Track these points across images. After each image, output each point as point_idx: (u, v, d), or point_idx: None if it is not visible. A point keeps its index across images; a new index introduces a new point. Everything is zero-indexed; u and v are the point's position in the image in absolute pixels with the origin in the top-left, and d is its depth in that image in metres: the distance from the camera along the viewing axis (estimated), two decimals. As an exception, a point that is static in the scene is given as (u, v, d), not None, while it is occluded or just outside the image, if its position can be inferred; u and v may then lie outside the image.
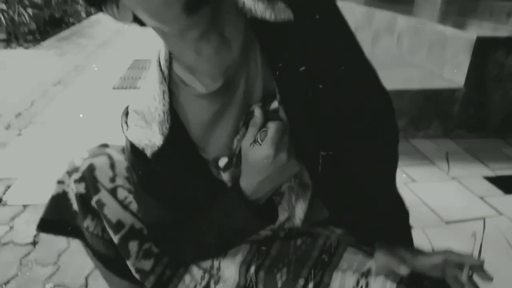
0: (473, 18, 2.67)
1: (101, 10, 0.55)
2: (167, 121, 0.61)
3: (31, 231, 1.35)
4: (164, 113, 0.61)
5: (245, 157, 0.62)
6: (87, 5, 0.56)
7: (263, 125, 0.61)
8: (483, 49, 1.83)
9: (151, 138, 0.62)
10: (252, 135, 0.60)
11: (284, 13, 0.59)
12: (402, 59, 2.38)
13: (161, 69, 0.62)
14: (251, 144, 0.60)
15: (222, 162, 0.65)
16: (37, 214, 1.39)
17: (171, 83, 0.63)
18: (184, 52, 0.58)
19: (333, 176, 0.69)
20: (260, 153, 0.59)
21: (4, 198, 1.55)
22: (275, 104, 0.62)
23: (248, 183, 0.63)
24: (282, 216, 0.74)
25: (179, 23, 0.51)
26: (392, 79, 2.00)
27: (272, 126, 0.59)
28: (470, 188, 1.61)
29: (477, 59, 1.85)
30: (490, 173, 1.72)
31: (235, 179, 0.66)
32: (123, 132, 0.65)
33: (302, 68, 0.60)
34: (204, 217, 0.67)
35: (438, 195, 1.56)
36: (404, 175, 1.70)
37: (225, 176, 0.66)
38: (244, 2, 0.59)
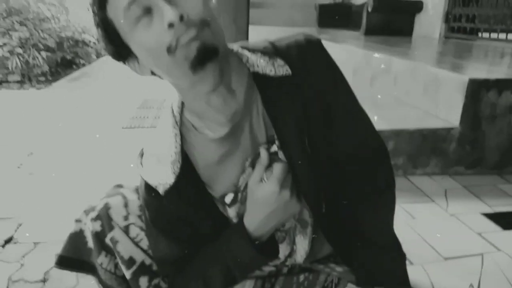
0: (468, 59, 2.79)
1: (124, 63, 0.65)
2: (179, 161, 0.68)
3: (41, 269, 1.39)
4: (176, 154, 0.68)
5: (251, 193, 0.68)
6: (113, 59, 0.65)
7: (269, 165, 0.68)
8: (476, 90, 1.92)
9: (163, 177, 0.69)
10: (258, 173, 0.67)
11: (283, 69, 0.68)
12: (399, 99, 2.48)
13: (173, 115, 0.70)
14: (257, 181, 0.67)
15: (228, 198, 0.72)
16: (47, 252, 1.45)
17: (182, 127, 0.71)
18: (195, 102, 0.67)
19: (334, 216, 0.75)
20: (265, 190, 0.66)
21: (15, 236, 1.59)
22: (274, 148, 0.70)
23: (252, 219, 0.69)
24: (285, 252, 0.78)
25: (188, 79, 0.60)
26: (390, 118, 2.09)
27: (277, 166, 0.67)
28: (469, 224, 1.64)
29: (470, 100, 1.93)
30: (488, 210, 1.76)
31: (240, 215, 0.72)
32: (139, 171, 0.72)
33: (298, 117, 0.68)
34: (210, 252, 0.73)
35: (437, 232, 1.59)
36: (404, 212, 1.74)
37: (231, 212, 0.73)
38: (248, 58, 0.68)
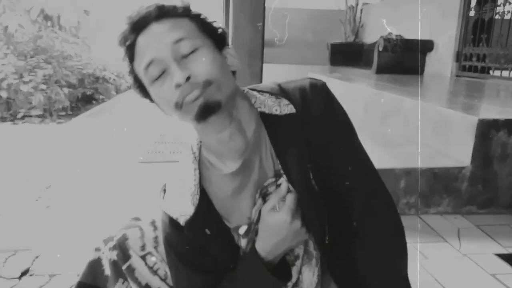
0: (478, 98, 2.82)
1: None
2: (197, 193, 0.75)
3: (56, 301, 1.41)
4: (194, 186, 0.75)
5: (263, 221, 0.73)
6: (143, 97, 0.76)
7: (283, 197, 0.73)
8: (486, 130, 1.94)
9: (184, 209, 0.75)
10: (273, 202, 0.73)
11: (287, 108, 0.75)
12: (409, 137, 2.51)
13: (193, 151, 0.78)
14: (270, 210, 0.72)
15: (242, 230, 0.77)
16: (62, 284, 1.48)
17: (200, 163, 0.78)
18: (208, 140, 0.75)
19: (339, 256, 0.78)
20: (278, 219, 0.71)
21: (31, 268, 1.63)
22: (283, 181, 0.74)
23: (264, 245, 0.74)
24: (293, 278, 0.81)
25: (197, 125, 0.70)
26: (400, 157, 2.11)
27: (290, 197, 0.72)
28: (482, 265, 1.62)
29: (481, 140, 1.95)
30: (502, 250, 1.73)
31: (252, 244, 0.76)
32: (161, 206, 0.79)
33: (301, 152, 0.73)
34: (229, 281, 0.77)
35: (450, 273, 1.57)
36: (417, 252, 1.73)
37: (244, 243, 0.77)
38: (256, 99, 0.76)
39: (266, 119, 0.75)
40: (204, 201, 0.76)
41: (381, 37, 4.76)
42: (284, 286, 0.78)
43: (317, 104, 0.75)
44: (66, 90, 4.50)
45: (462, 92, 3.29)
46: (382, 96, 2.94)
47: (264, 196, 0.76)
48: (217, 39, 0.73)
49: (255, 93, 0.77)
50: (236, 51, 1.42)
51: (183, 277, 0.79)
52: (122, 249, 0.83)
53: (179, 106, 0.67)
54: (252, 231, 0.77)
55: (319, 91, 0.76)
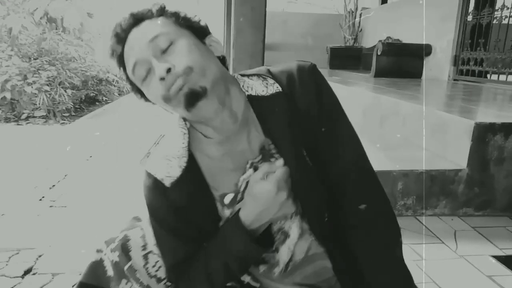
0: (475, 102, 2.85)
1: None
2: (185, 155, 0.77)
3: (59, 299, 1.44)
4: (182, 149, 0.77)
5: (250, 189, 0.74)
6: (145, 101, 0.80)
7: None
8: (482, 133, 1.97)
9: (170, 171, 0.76)
10: (262, 172, 0.74)
11: (273, 87, 0.77)
12: (407, 140, 2.54)
13: (182, 117, 0.80)
14: (259, 178, 0.73)
15: (228, 198, 0.78)
16: (65, 283, 1.50)
17: (189, 128, 0.80)
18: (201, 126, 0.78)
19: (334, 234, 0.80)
20: (263, 187, 0.72)
21: (35, 267, 1.65)
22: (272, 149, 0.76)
23: (248, 213, 0.74)
24: (285, 258, 0.81)
25: (189, 114, 0.72)
26: (398, 159, 2.14)
27: (280, 169, 0.73)
28: (478, 267, 1.65)
29: (477, 143, 1.98)
30: (498, 252, 1.76)
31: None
32: (145, 168, 0.81)
33: (292, 128, 0.75)
34: (209, 249, 0.78)
35: (447, 274, 1.59)
36: (413, 253, 1.75)
37: (227, 213, 0.78)
38: (244, 82, 0.79)
39: (253, 100, 0.78)
40: (191, 165, 0.77)
41: (380, 41, 4.80)
42: (263, 252, 0.78)
43: (303, 84, 0.77)
44: (69, 91, 4.54)
45: (460, 96, 3.32)
46: (381, 99, 2.98)
47: (255, 169, 0.76)
48: (196, 29, 0.76)
49: (244, 78, 0.80)
50: (238, 55, 1.45)
51: (166, 245, 0.80)
52: (124, 250, 0.84)
53: (167, 98, 0.70)
54: (237, 202, 0.77)
55: (307, 71, 0.78)
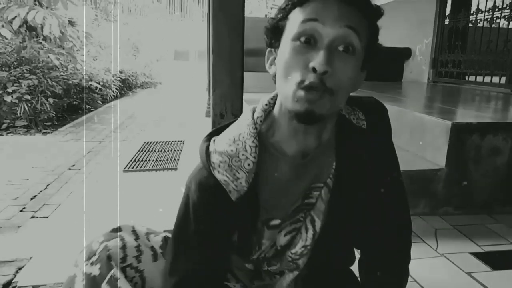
0: (453, 103, 2.92)
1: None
2: (254, 171, 0.71)
3: (40, 311, 1.41)
4: (253, 164, 0.71)
5: None
6: (266, 46, 0.74)
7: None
8: (459, 133, 2.02)
9: (237, 184, 0.70)
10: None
11: (361, 123, 0.78)
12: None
13: (254, 122, 0.74)
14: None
15: (274, 222, 0.76)
16: (46, 294, 1.48)
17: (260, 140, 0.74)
18: (283, 130, 0.73)
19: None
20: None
21: (15, 280, 1.62)
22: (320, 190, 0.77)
23: None
24: (298, 247, 0.81)
25: (293, 106, 0.66)
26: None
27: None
28: (459, 264, 1.68)
29: (455, 143, 2.02)
30: (478, 249, 1.80)
31: (272, 243, 0.78)
32: (212, 170, 0.72)
33: (360, 168, 0.76)
34: None
35: (428, 272, 1.62)
36: (395, 252, 1.78)
37: (266, 235, 0.77)
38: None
39: (342, 128, 0.76)
40: (254, 182, 0.71)
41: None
42: None
43: (381, 128, 0.80)
44: (51, 100, 4.47)
45: (439, 97, 3.39)
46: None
47: (305, 198, 0.75)
48: (369, 55, 0.69)
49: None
50: (217, 61, 1.47)
51: (186, 257, 0.76)
52: (104, 262, 0.81)
53: (298, 85, 0.62)
54: (280, 229, 0.76)
55: (384, 116, 0.81)
